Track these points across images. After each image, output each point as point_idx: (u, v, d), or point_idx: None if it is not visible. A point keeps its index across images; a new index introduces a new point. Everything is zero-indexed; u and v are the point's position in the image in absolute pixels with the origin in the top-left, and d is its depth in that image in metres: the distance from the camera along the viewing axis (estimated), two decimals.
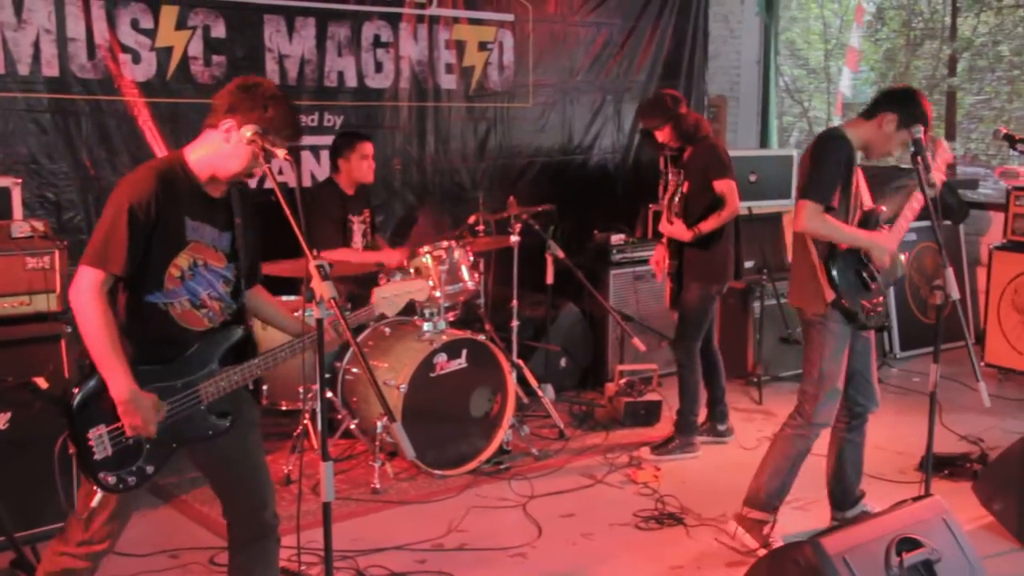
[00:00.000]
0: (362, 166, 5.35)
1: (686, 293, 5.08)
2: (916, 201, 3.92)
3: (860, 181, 3.99)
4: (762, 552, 3.85)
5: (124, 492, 2.77)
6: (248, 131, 2.70)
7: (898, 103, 3.82)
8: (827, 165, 3.81)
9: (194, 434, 2.85)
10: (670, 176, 5.27)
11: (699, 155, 5.00)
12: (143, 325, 2.77)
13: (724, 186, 4.89)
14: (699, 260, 5.02)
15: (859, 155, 3.98)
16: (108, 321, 2.66)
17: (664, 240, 5.26)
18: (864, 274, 3.91)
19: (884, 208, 4.01)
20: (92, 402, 2.69)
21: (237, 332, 2.92)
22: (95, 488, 2.73)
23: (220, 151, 2.76)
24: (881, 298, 3.97)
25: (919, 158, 3.67)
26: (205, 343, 2.84)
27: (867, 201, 4.01)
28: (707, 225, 4.91)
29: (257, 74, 5.57)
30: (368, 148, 5.37)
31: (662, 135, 5.06)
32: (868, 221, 3.94)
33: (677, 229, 5.01)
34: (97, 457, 2.69)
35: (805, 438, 4.00)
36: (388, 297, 3.13)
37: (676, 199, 5.03)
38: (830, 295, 3.84)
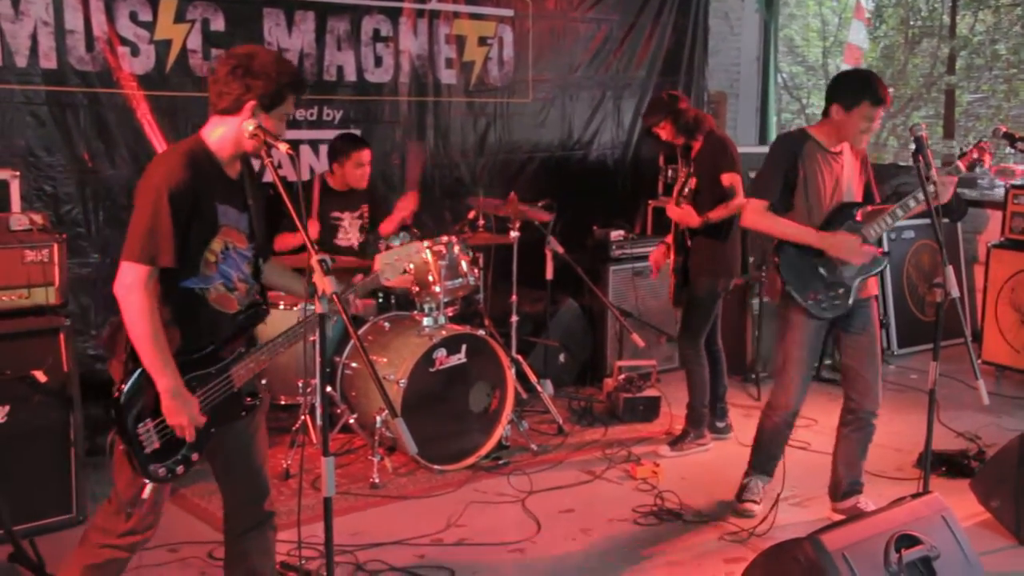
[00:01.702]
0: (356, 173, 5.34)
1: (693, 288, 5.07)
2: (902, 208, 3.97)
3: (835, 174, 4.04)
4: None
5: (173, 481, 2.82)
6: (250, 125, 2.73)
7: (835, 91, 3.97)
8: (766, 165, 4.08)
9: (230, 416, 2.89)
10: (679, 169, 5.26)
11: (708, 149, 4.99)
12: (179, 311, 2.76)
13: (732, 179, 4.90)
14: (709, 254, 5.01)
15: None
16: (155, 319, 2.65)
17: (668, 238, 5.25)
18: (820, 268, 4.03)
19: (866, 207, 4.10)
20: (137, 397, 2.72)
21: (263, 313, 2.96)
22: (145, 481, 2.76)
23: (243, 127, 2.76)
24: (841, 290, 4.06)
25: (920, 156, 3.68)
26: (235, 326, 2.88)
27: (846, 194, 4.07)
28: (716, 214, 4.90)
29: None
30: (365, 156, 5.35)
31: (664, 132, 5.05)
32: (839, 213, 4.04)
33: (686, 212, 5.00)
34: (147, 451, 2.74)
35: (769, 418, 4.27)
36: (390, 263, 3.33)
37: (686, 191, 5.03)
38: (779, 284, 4.04)
